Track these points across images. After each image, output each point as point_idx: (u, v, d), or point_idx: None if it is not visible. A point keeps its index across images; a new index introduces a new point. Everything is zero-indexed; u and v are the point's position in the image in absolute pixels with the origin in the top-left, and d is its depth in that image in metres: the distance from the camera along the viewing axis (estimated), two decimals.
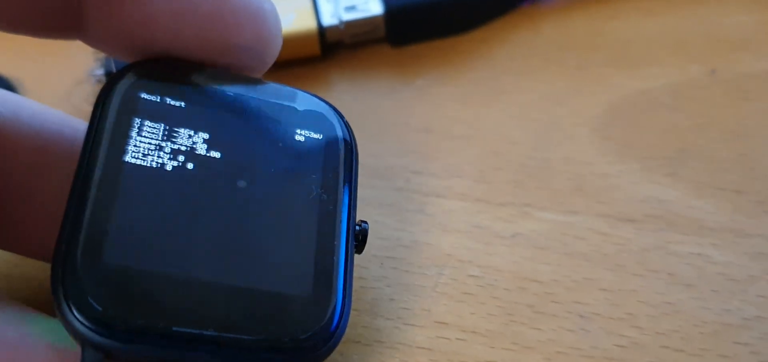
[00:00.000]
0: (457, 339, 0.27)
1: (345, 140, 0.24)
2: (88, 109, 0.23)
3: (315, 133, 0.24)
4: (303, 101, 0.25)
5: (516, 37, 0.36)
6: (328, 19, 0.35)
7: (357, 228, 0.24)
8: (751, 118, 0.33)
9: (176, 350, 0.19)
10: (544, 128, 0.33)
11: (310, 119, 0.24)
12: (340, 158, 0.24)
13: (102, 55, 0.33)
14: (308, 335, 0.21)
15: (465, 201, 0.31)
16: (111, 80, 0.23)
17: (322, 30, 0.35)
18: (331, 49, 0.36)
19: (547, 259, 0.29)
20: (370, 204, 0.31)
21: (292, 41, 0.35)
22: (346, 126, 0.25)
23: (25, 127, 0.25)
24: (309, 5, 0.35)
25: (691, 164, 0.31)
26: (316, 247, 0.22)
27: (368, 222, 0.25)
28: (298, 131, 0.24)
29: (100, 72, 0.34)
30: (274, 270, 0.21)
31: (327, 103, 0.25)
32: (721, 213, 0.30)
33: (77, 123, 0.26)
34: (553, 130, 0.33)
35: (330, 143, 0.24)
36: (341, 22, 0.35)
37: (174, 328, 0.19)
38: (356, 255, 0.24)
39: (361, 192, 0.31)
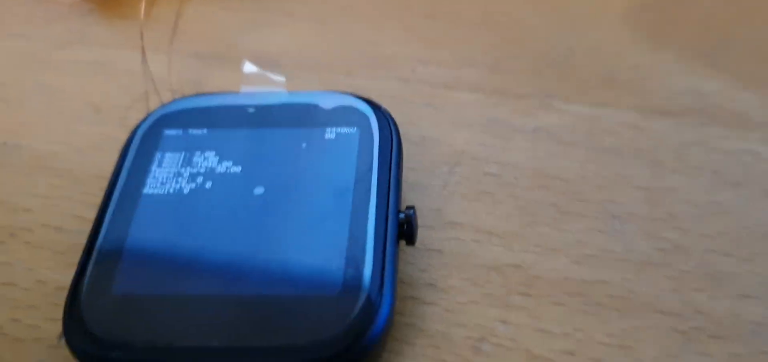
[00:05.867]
0: (472, 240, 0.23)
1: (380, 129, 0.23)
2: None
3: (346, 127, 0.23)
4: (331, 100, 0.24)
5: None
6: None
7: (401, 216, 0.21)
8: None
9: None
10: (566, 14, 0.29)
11: (340, 115, 0.24)
12: (374, 148, 0.23)
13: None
14: (331, 336, 0.18)
15: (479, 94, 0.27)
16: (137, 125, 0.24)
17: None
18: None
19: (572, 155, 0.25)
20: (370, 95, 0.27)
21: None
22: (384, 114, 0.24)
23: None
24: None
25: (734, 55, 0.28)
26: (347, 243, 0.20)
27: None
28: (328, 129, 0.23)
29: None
30: (294, 272, 0.20)
31: (359, 96, 0.25)
32: None
33: None
34: (576, 17, 0.29)
35: (363, 134, 0.23)
36: None
37: (176, 345, 0.19)
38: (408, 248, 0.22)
39: (361, 82, 0.27)
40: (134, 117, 0.28)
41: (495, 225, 0.24)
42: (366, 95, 0.26)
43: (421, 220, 0.24)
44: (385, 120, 0.23)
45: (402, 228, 0.21)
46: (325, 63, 0.29)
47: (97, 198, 0.25)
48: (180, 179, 0.22)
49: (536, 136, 0.26)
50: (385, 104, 0.26)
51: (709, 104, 0.26)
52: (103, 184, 0.25)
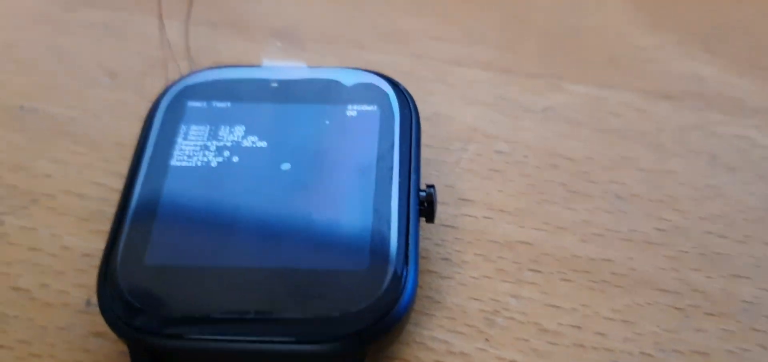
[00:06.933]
0: (484, 217, 0.24)
1: (401, 107, 0.24)
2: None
3: (367, 105, 0.24)
4: (351, 77, 0.25)
5: None
6: None
7: (422, 193, 0.22)
8: None
9: (218, 338, 0.19)
10: None
11: (361, 92, 0.24)
12: (395, 126, 0.23)
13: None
14: (361, 308, 0.19)
15: (490, 72, 0.28)
16: (160, 95, 0.25)
17: None
18: None
19: (580, 135, 0.26)
20: (383, 70, 0.27)
21: None
22: (403, 92, 0.25)
23: None
24: None
25: (730, 40, 0.29)
26: (372, 219, 0.21)
27: None
28: (350, 106, 0.24)
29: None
30: (323, 247, 0.21)
31: (379, 73, 0.25)
32: (764, 93, 0.28)
33: None
34: None
35: (384, 112, 0.24)
36: None
37: (212, 315, 0.19)
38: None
39: (373, 56, 0.28)
40: (151, 83, 0.28)
41: (506, 203, 0.25)
42: (383, 71, 0.27)
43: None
44: (405, 99, 0.24)
45: (423, 206, 0.22)
46: (338, 35, 0.30)
47: (117, 166, 0.26)
48: (207, 152, 0.23)
49: (545, 115, 0.27)
50: (398, 79, 0.27)
51: (707, 89, 0.28)
52: (123, 152, 0.26)
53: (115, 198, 0.25)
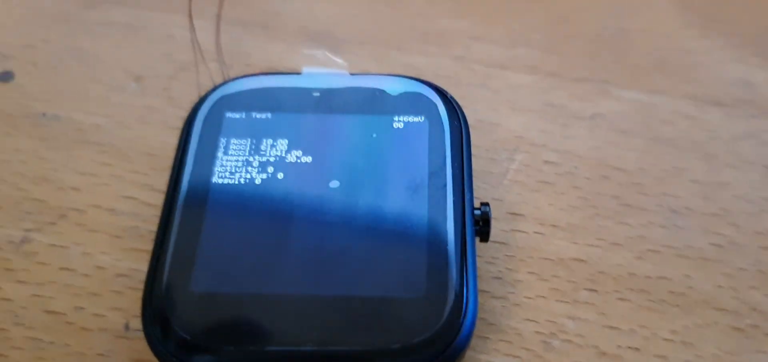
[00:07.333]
0: (535, 233, 0.24)
1: (450, 118, 0.23)
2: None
3: (414, 116, 0.23)
4: (397, 85, 0.23)
5: None
6: None
7: (477, 212, 0.21)
8: None
9: None
10: None
11: (407, 102, 0.23)
12: (446, 139, 0.22)
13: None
14: (422, 339, 0.18)
15: (535, 75, 0.27)
16: (195, 105, 0.23)
17: None
18: None
19: (630, 145, 0.25)
20: (424, 74, 0.26)
21: None
22: (451, 101, 0.23)
23: None
24: None
25: None
26: (426, 241, 0.20)
27: None
28: (396, 118, 0.23)
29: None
30: (378, 273, 0.20)
31: (423, 81, 0.24)
32: None
33: None
34: None
35: (433, 124, 0.22)
36: None
37: (266, 348, 0.18)
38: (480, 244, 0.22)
39: (412, 59, 0.27)
40: (178, 88, 0.27)
41: (558, 217, 0.24)
42: (423, 75, 0.26)
43: None
44: (454, 109, 0.23)
45: (477, 225, 0.21)
46: (375, 36, 0.28)
47: (149, 178, 0.25)
48: (250, 168, 0.22)
49: (594, 123, 0.26)
50: (439, 83, 0.26)
51: (759, 95, 0.27)
52: (154, 163, 0.25)
53: (147, 213, 0.24)
